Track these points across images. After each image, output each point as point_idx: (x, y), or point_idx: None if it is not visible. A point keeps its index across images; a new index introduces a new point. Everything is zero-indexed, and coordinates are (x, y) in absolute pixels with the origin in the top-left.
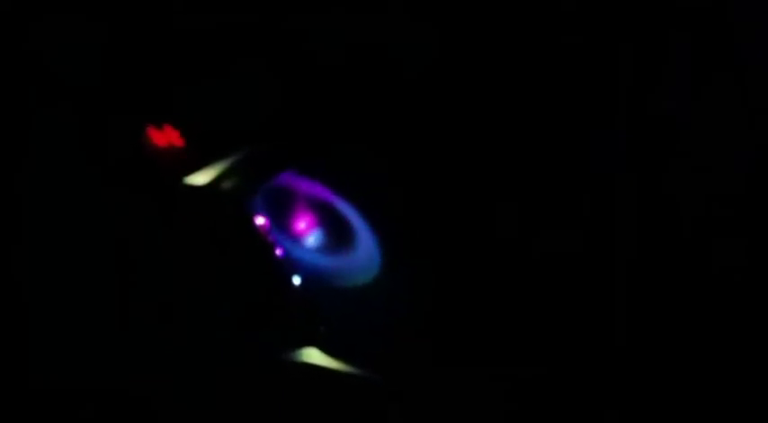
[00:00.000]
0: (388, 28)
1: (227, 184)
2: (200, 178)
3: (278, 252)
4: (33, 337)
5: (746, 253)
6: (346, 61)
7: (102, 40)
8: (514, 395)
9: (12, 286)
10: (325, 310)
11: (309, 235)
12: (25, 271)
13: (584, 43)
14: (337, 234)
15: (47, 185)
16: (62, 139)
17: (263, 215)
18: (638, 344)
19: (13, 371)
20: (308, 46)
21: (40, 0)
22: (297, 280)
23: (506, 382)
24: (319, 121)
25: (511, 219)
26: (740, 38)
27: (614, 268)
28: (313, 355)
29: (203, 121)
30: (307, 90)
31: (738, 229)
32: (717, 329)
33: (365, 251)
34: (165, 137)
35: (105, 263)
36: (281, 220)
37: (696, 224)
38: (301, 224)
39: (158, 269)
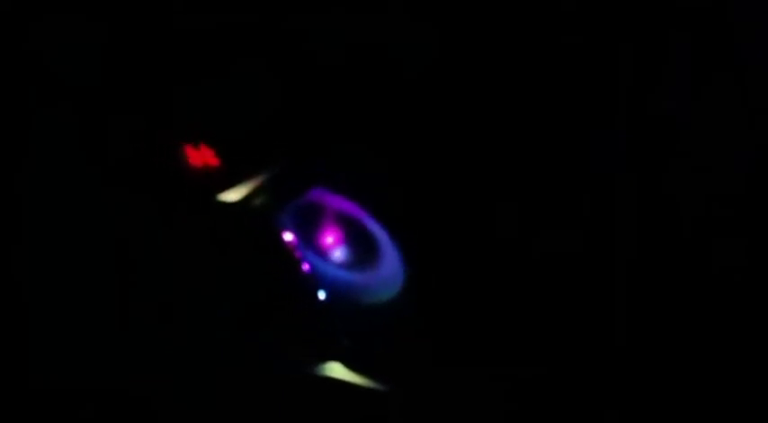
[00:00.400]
0: (388, 28)
1: (257, 201)
2: (233, 195)
3: (305, 267)
4: (34, 337)
5: (746, 253)
6: (350, 63)
7: (102, 40)
8: (514, 395)
9: (12, 286)
10: (349, 325)
11: (336, 250)
12: (27, 271)
13: (584, 43)
14: (363, 250)
15: (47, 184)
16: (62, 138)
17: (291, 231)
18: (638, 343)
19: (13, 371)
20: (311, 46)
21: (40, 0)
22: (322, 295)
23: (506, 382)
24: (342, 139)
25: (511, 219)
26: (740, 38)
27: (614, 268)
28: (335, 370)
29: (237, 140)
30: (330, 105)
31: (738, 229)
32: (717, 329)
33: (389, 267)
34: (201, 155)
35: (108, 264)
36: (308, 235)
37: (696, 224)
38: (328, 239)
39: (181, 276)
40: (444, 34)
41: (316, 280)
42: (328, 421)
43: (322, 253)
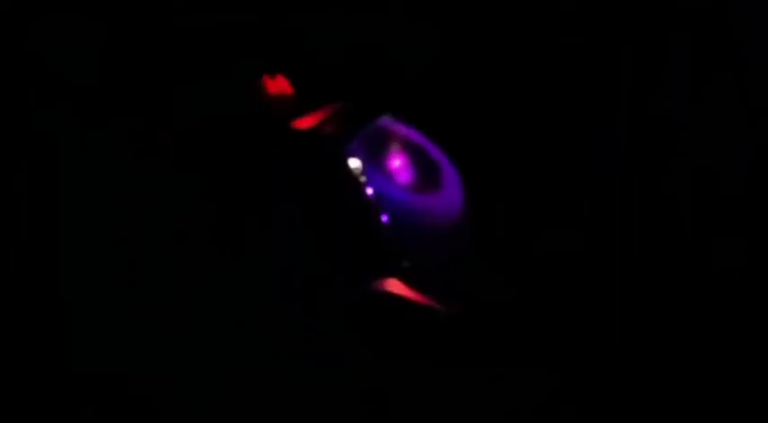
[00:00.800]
0: (388, 28)
1: (328, 129)
2: (305, 123)
3: (369, 191)
4: (35, 337)
5: (746, 253)
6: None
7: (102, 40)
8: (515, 395)
9: (12, 286)
10: (410, 247)
11: (402, 173)
12: (26, 271)
13: (585, 43)
14: (427, 174)
15: (47, 185)
16: (62, 138)
17: (359, 158)
18: (638, 343)
19: (13, 371)
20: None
21: (40, 0)
22: (385, 218)
23: (506, 382)
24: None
25: (511, 219)
26: (740, 38)
27: (614, 268)
28: (395, 285)
29: (310, 73)
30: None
31: (738, 230)
32: (716, 329)
33: (450, 193)
34: (277, 85)
35: (108, 264)
36: (376, 160)
37: (696, 224)
38: (395, 162)
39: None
40: (444, 34)
41: (380, 203)
42: (328, 421)
43: (388, 176)
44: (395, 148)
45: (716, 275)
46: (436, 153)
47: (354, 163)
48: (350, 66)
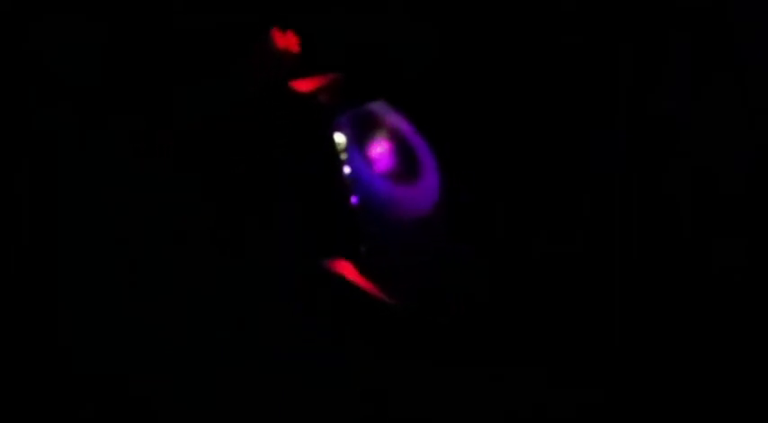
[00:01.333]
0: (388, 28)
1: (323, 97)
2: (303, 85)
3: (346, 169)
4: (36, 337)
5: (746, 253)
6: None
7: (102, 40)
8: (515, 395)
9: (12, 286)
10: (374, 234)
11: (381, 160)
12: (27, 271)
13: (585, 43)
14: (405, 167)
15: (47, 184)
16: (62, 138)
17: (345, 134)
18: (638, 343)
19: (13, 370)
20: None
21: (40, 0)
22: (354, 199)
23: (506, 382)
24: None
25: (510, 219)
26: (740, 38)
27: (614, 268)
28: (346, 269)
29: (321, 37)
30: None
31: (738, 229)
32: (716, 329)
33: (426, 187)
34: (285, 40)
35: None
36: (361, 141)
37: (696, 224)
38: (378, 148)
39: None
40: (444, 34)
41: (354, 184)
42: (328, 421)
43: (368, 159)
44: (380, 134)
45: (716, 275)
46: (420, 147)
47: (339, 137)
48: (350, 66)
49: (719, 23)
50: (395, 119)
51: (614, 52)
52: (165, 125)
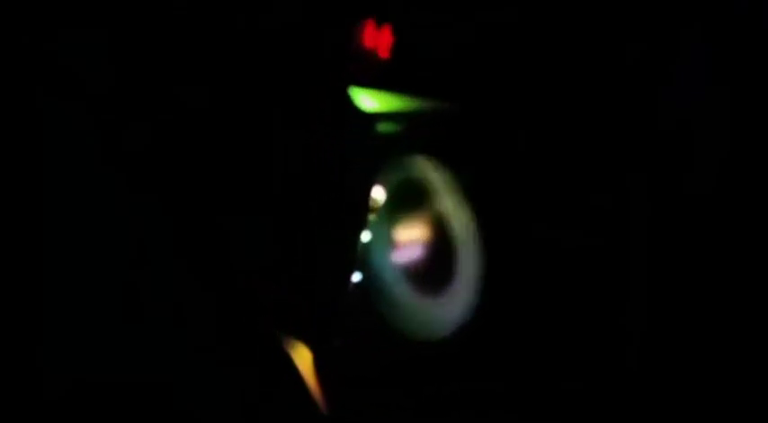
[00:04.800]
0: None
1: (384, 128)
2: (371, 103)
3: (365, 236)
4: (37, 337)
5: (746, 253)
6: None
7: (102, 40)
8: (514, 395)
9: (17, 286)
10: (355, 328)
11: (408, 250)
12: (33, 271)
13: (593, 43)
14: (431, 275)
15: (61, 184)
16: (77, 139)
17: (387, 190)
18: (641, 343)
19: (14, 370)
20: None
21: (54, 1)
22: (357, 276)
23: (506, 381)
24: None
25: (511, 218)
26: (753, 37)
27: (616, 268)
28: (301, 356)
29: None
30: None
31: (739, 229)
32: (716, 329)
33: (445, 311)
34: (377, 39)
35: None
36: (393, 214)
37: (696, 224)
38: (411, 233)
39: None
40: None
41: (364, 255)
42: (328, 421)
43: (392, 240)
44: (423, 217)
45: (716, 275)
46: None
47: (378, 192)
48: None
49: (729, 22)
50: (448, 203)
51: (624, 51)
52: (164, 125)
